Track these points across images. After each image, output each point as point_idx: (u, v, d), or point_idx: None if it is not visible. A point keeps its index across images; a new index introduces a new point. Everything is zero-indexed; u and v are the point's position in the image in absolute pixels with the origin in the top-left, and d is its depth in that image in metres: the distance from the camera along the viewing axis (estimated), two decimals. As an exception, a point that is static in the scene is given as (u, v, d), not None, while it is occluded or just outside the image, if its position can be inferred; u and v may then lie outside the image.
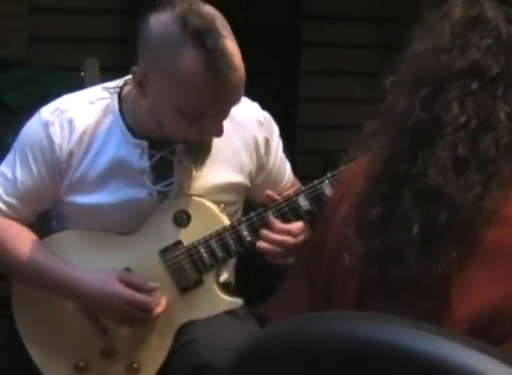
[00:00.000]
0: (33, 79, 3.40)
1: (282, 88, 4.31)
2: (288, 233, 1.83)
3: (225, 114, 1.80)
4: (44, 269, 1.87)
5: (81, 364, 1.91)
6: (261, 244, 1.83)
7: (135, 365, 1.91)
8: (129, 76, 1.91)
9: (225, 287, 1.94)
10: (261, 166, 1.99)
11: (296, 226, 1.86)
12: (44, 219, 2.02)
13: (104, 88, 1.93)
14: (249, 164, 1.96)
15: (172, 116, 1.77)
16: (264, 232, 1.84)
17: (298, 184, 2.10)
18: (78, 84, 3.17)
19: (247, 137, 1.95)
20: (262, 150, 1.97)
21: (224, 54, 1.69)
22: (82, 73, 3.26)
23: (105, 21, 3.91)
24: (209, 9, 1.75)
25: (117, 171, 1.88)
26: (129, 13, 3.87)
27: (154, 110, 1.80)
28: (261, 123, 1.97)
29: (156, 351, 1.90)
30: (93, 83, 3.15)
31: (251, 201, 2.05)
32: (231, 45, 1.72)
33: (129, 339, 1.90)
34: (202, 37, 1.68)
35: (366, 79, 4.20)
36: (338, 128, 4.25)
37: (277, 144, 2.02)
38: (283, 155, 2.06)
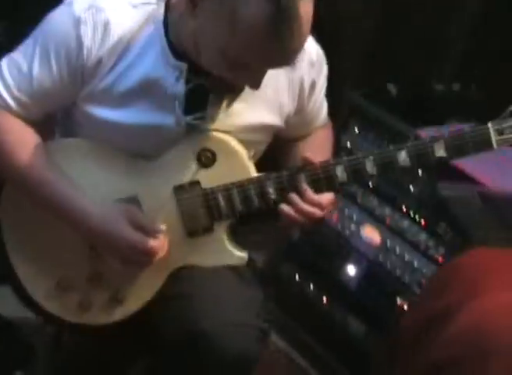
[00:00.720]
0: None
1: None
2: (319, 206, 1.69)
3: (268, 73, 1.62)
4: (47, 186, 1.69)
5: (65, 283, 1.79)
6: (286, 208, 1.69)
7: (119, 296, 1.79)
8: None
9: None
10: (300, 108, 1.83)
11: (328, 198, 1.72)
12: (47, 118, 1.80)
13: None
14: (289, 106, 1.80)
15: (213, 53, 1.56)
16: (294, 198, 1.69)
17: (329, 125, 1.99)
18: None
19: (294, 77, 1.77)
20: (306, 92, 1.81)
21: (293, 19, 1.47)
22: None
23: None
24: None
25: (147, 91, 1.68)
26: None
27: (197, 36, 1.58)
28: (312, 64, 1.79)
29: (144, 288, 1.79)
30: None
31: (277, 137, 1.89)
32: (305, 11, 1.50)
33: (120, 270, 1.77)
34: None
35: None
36: None
37: (322, 85, 1.86)
38: (324, 96, 1.90)
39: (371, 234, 2.55)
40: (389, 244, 2.50)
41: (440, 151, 1.66)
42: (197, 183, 1.73)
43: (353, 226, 2.56)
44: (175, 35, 1.65)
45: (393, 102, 2.57)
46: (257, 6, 1.46)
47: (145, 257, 1.69)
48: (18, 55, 1.69)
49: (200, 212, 1.74)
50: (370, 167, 1.69)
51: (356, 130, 2.61)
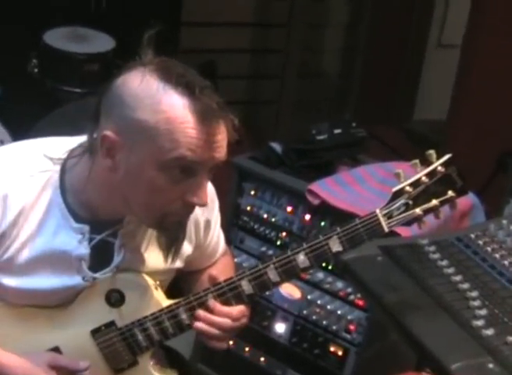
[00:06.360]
0: None
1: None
2: (228, 316, 1.75)
3: (210, 174, 1.63)
4: None
5: None
6: (198, 324, 1.74)
7: None
8: (74, 146, 1.69)
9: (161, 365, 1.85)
10: (198, 245, 1.88)
11: (238, 309, 1.77)
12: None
13: (47, 157, 1.69)
14: (187, 247, 1.84)
15: (150, 184, 1.57)
16: (201, 312, 1.74)
17: (228, 251, 2.05)
18: None
19: (188, 221, 1.78)
20: (202, 232, 1.87)
21: (213, 100, 1.54)
22: None
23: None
24: None
25: (51, 257, 1.69)
26: None
27: (126, 184, 1.60)
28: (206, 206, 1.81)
29: None
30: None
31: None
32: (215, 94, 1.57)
33: None
34: (187, 83, 1.52)
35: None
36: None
37: (216, 220, 1.91)
38: (219, 227, 1.95)
39: (290, 291, 2.63)
40: (309, 297, 2.59)
41: (336, 246, 1.71)
42: (112, 323, 1.76)
43: (271, 286, 2.63)
44: (75, 198, 1.68)
45: (281, 160, 2.64)
46: (177, 103, 1.51)
47: None
48: None
49: (121, 350, 1.77)
50: (273, 275, 1.73)
51: (252, 192, 2.68)
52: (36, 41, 3.48)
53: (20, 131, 2.36)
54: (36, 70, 3.52)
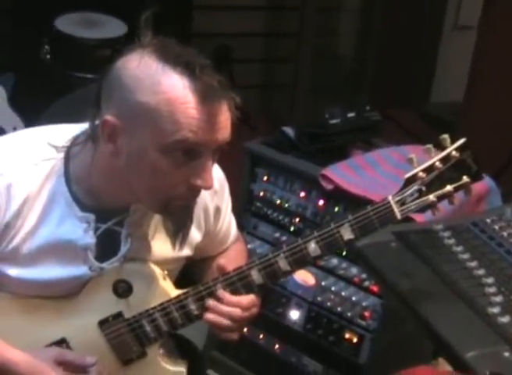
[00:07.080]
0: None
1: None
2: (237, 305, 1.71)
3: (214, 156, 1.58)
4: None
5: None
6: (208, 315, 1.71)
7: None
8: (77, 133, 1.67)
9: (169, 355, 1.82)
10: (207, 232, 1.85)
11: (248, 299, 1.73)
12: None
13: (51, 145, 1.66)
14: (196, 235, 1.81)
15: (153, 168, 1.53)
16: (211, 302, 1.71)
17: (240, 238, 2.01)
18: None
19: (197, 208, 1.75)
20: (211, 219, 1.83)
21: (214, 79, 1.50)
22: None
23: None
24: None
25: (56, 247, 1.67)
26: None
27: (129, 169, 1.56)
28: (215, 192, 1.78)
29: None
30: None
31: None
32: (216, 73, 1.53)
33: None
34: (187, 63, 1.49)
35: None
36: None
37: (226, 206, 1.87)
38: (230, 213, 1.91)
39: (304, 277, 2.59)
40: (323, 283, 2.56)
41: (347, 234, 1.67)
42: (120, 314, 1.74)
43: (285, 272, 2.60)
44: (80, 186, 1.65)
45: (294, 144, 2.60)
46: (176, 83, 1.47)
47: None
48: None
49: (130, 341, 1.75)
50: (283, 264, 1.69)
51: (264, 178, 2.64)
52: (48, 28, 3.46)
53: (33, 117, 2.34)
54: (48, 57, 3.50)
